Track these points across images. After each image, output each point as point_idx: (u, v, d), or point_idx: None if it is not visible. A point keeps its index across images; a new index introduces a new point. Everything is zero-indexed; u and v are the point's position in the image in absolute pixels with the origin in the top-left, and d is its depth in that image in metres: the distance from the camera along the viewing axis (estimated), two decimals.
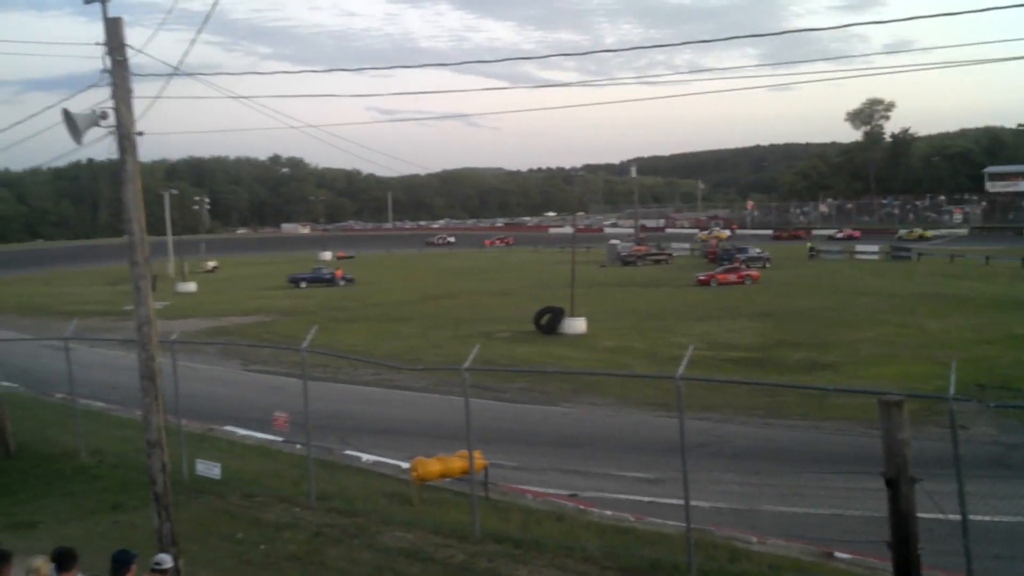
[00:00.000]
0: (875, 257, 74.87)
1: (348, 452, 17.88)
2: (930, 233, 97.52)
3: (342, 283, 62.78)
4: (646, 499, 14.85)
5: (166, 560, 7.92)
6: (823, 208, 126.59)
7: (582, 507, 14.13)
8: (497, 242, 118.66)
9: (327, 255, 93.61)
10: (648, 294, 51.40)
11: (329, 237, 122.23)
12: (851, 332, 33.46)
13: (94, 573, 7.14)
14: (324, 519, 12.46)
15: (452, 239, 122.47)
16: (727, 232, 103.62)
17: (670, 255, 79.06)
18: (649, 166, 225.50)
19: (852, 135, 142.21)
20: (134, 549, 7.85)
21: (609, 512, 13.76)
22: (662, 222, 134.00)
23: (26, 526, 12.66)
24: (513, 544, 11.42)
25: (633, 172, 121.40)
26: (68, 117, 9.32)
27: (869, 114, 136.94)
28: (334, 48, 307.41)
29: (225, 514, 12.97)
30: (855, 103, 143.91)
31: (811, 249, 78.17)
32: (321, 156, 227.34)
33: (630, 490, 15.59)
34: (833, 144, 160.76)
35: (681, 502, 10.55)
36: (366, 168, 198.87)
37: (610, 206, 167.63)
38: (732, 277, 56.02)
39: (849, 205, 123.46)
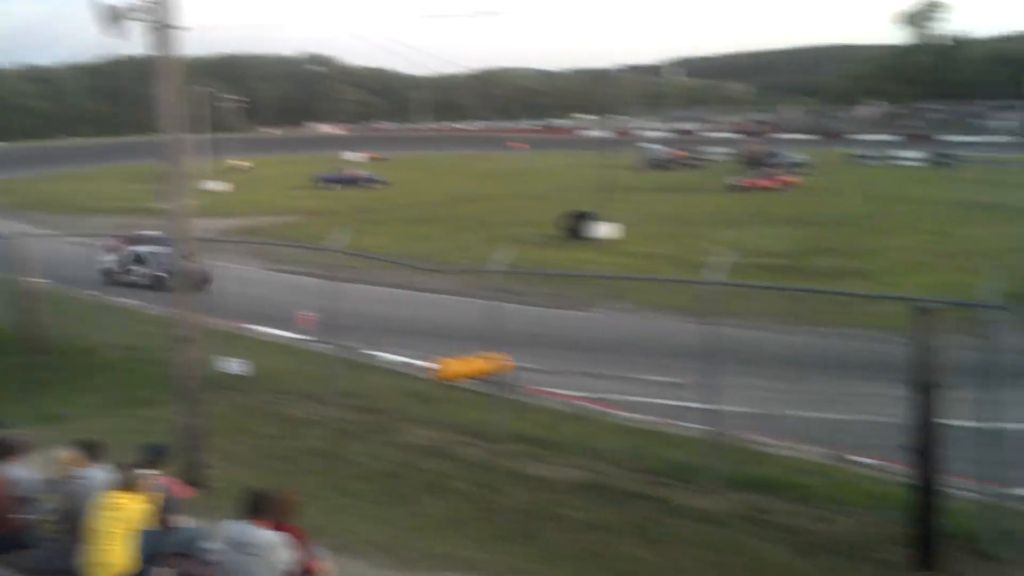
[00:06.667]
0: (917, 164, 73.26)
1: (371, 352, 17.94)
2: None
3: (378, 186, 62.58)
4: (672, 403, 14.63)
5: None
6: (866, 113, 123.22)
7: (606, 409, 14.09)
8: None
9: (356, 156, 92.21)
10: (681, 200, 50.75)
11: (359, 138, 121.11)
12: (886, 239, 32.97)
13: (124, 462, 7.14)
14: (347, 415, 12.57)
15: None
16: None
17: (706, 160, 77.79)
18: (699, 67, 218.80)
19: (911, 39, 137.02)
20: (164, 443, 7.91)
21: (635, 415, 13.72)
22: (701, 126, 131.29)
23: (55, 419, 12.87)
24: (536, 444, 11.46)
25: (677, 74, 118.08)
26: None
27: (923, 16, 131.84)
28: None
29: (252, 411, 13.12)
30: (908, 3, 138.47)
31: (855, 156, 76.85)
32: (354, 55, 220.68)
33: (657, 394, 15.42)
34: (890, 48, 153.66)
35: (708, 406, 10.46)
36: (400, 68, 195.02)
37: (648, 108, 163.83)
38: (768, 183, 55.12)
39: (894, 110, 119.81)
